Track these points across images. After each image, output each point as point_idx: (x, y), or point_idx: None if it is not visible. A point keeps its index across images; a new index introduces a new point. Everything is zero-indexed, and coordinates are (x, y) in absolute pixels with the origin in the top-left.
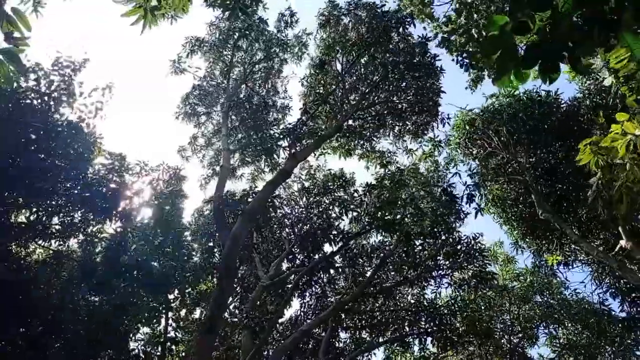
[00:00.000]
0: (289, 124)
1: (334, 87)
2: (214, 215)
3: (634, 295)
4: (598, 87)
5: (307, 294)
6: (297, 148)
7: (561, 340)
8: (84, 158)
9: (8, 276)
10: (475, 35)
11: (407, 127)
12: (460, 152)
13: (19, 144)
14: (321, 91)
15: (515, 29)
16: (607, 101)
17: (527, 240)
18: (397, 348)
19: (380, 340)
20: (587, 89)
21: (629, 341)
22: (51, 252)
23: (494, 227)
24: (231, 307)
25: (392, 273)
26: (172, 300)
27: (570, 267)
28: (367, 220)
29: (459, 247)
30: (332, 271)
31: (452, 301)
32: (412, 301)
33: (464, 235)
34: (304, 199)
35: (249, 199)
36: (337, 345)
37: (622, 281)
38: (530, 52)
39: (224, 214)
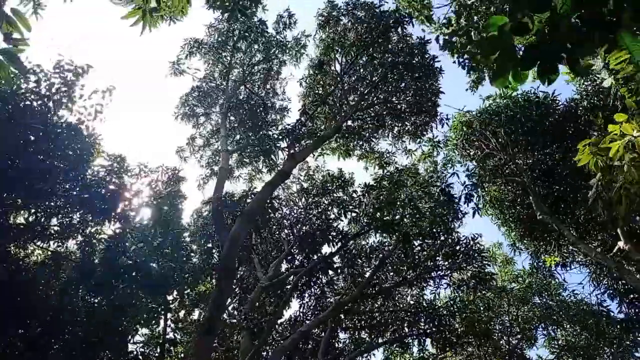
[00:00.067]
0: (288, 124)
1: (333, 87)
2: (212, 216)
3: (632, 296)
4: (596, 88)
5: (306, 294)
6: (296, 149)
7: (560, 342)
8: (83, 160)
9: (6, 277)
10: (474, 37)
11: (406, 128)
12: (457, 153)
13: (19, 145)
14: (320, 92)
15: (514, 29)
16: (604, 102)
17: (525, 241)
18: (397, 349)
19: (380, 341)
20: (585, 90)
21: (628, 342)
22: (50, 253)
23: (492, 229)
24: (230, 308)
25: (391, 274)
26: (171, 302)
27: (568, 268)
28: (366, 220)
29: (457, 247)
30: (331, 272)
31: (451, 302)
32: (411, 302)
33: (463, 236)
34: (303, 199)
35: (248, 200)
36: (336, 345)
37: (620, 282)
38: (528, 53)
39: (222, 215)
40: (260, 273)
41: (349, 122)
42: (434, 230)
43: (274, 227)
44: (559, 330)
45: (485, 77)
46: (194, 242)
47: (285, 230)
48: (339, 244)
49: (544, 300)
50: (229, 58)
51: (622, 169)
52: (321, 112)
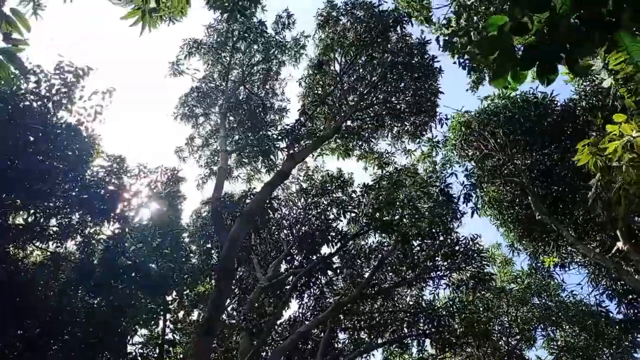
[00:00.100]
0: (287, 125)
1: (332, 87)
2: (212, 217)
3: (631, 297)
4: (594, 89)
5: (306, 295)
6: (296, 149)
7: (559, 342)
8: (82, 160)
9: (5, 278)
10: (474, 38)
11: (406, 128)
12: (456, 153)
13: (18, 145)
14: (319, 92)
15: (513, 29)
16: (603, 102)
17: (523, 242)
18: (396, 349)
19: (379, 341)
20: (584, 90)
21: (627, 343)
22: (49, 253)
23: (491, 229)
24: (229, 308)
25: (391, 274)
26: (170, 302)
27: (567, 269)
28: (365, 221)
29: (457, 248)
30: (330, 272)
31: (451, 302)
32: (411, 302)
33: (462, 236)
34: (302, 200)
35: (247, 200)
36: (335, 346)
37: (619, 283)
38: (528, 53)
39: (222, 216)
40: (259, 273)
41: (349, 122)
42: (433, 230)
43: (273, 227)
44: (558, 330)
45: (486, 78)
46: (193, 243)
47: (285, 231)
48: (338, 245)
49: (543, 300)
50: (228, 58)
51: (621, 170)
52: (320, 112)
